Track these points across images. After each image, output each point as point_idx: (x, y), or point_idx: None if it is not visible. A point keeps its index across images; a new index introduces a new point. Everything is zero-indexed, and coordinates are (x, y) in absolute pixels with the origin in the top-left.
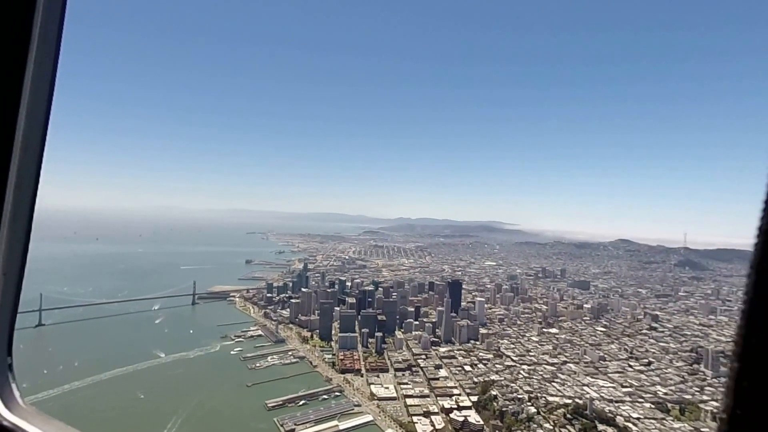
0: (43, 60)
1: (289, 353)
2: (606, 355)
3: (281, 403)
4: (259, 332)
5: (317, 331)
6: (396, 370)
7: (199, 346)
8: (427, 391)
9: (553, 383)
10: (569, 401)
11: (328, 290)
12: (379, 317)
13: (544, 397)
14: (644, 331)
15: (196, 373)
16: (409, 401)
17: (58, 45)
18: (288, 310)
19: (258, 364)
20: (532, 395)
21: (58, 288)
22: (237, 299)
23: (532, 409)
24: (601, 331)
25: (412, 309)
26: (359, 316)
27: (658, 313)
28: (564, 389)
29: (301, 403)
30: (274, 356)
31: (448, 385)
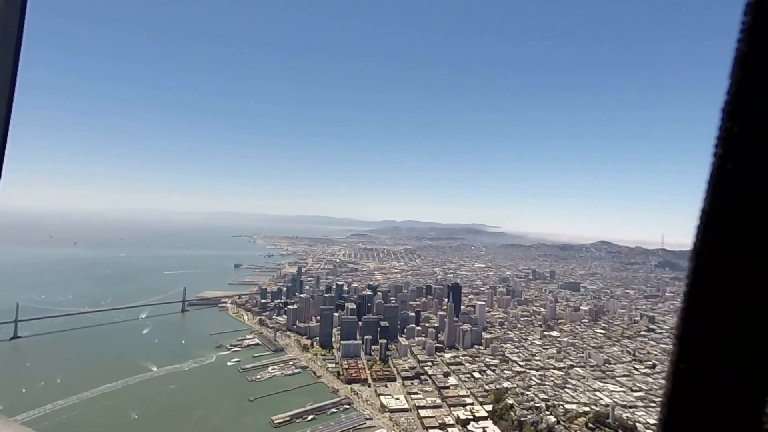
0: (2, 57)
1: (291, 363)
2: (610, 358)
3: (288, 418)
4: (256, 341)
5: (317, 338)
6: (404, 378)
7: (193, 357)
8: (439, 401)
9: (565, 389)
10: (588, 409)
11: (326, 295)
12: (382, 323)
13: (561, 405)
14: (643, 333)
15: (192, 388)
16: (422, 412)
17: (19, 41)
18: (285, 316)
19: (258, 376)
20: (548, 403)
21: (35, 296)
22: (229, 305)
23: (552, 419)
24: (601, 333)
25: (413, 314)
26: (360, 322)
27: (653, 314)
28: (578, 395)
29: (309, 418)
30: (275, 367)
31: (460, 393)
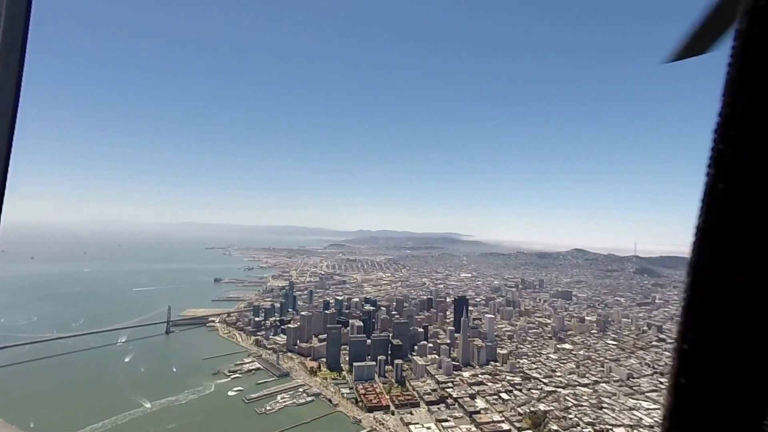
0: (8, 63)
1: (301, 390)
2: (632, 372)
3: None
4: (257, 365)
5: (323, 359)
6: (428, 403)
7: (188, 388)
8: (474, 429)
9: (603, 409)
10: None
11: (326, 312)
12: (393, 341)
13: (611, 429)
14: (654, 344)
15: (195, 426)
16: None
17: (24, 45)
18: (283, 336)
19: (268, 407)
20: (596, 427)
21: None
22: (218, 325)
23: None
24: (613, 344)
25: (421, 330)
26: (369, 341)
27: (658, 323)
28: (617, 416)
29: None
30: (284, 395)
31: (494, 419)
